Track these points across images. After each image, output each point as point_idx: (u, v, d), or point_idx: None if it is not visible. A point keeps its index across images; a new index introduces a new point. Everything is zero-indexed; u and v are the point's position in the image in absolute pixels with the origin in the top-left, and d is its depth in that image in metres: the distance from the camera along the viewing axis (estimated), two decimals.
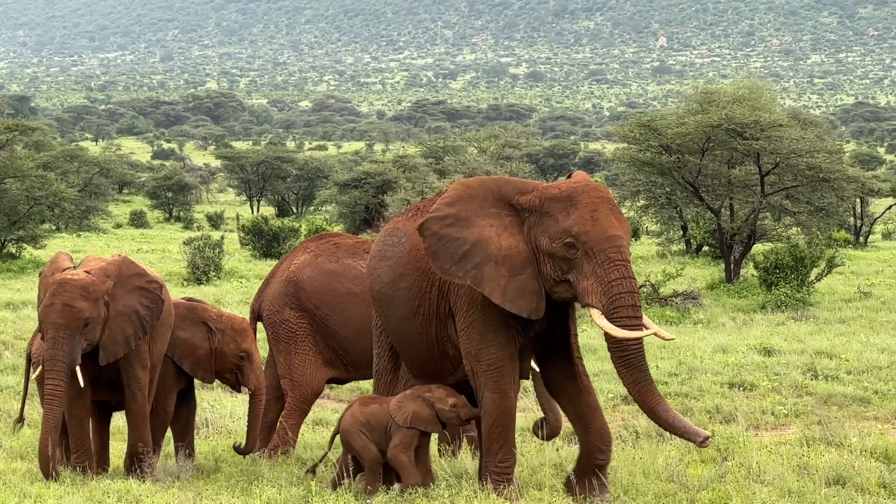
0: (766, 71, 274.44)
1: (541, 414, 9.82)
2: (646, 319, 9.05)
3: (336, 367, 11.54)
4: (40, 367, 10.19)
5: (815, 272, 23.36)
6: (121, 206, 52.80)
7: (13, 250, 31.83)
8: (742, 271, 26.07)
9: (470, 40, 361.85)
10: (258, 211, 51.89)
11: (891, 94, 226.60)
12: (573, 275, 9.06)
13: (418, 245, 9.56)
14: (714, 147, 26.42)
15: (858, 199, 36.08)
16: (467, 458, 10.43)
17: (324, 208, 50.17)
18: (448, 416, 9.60)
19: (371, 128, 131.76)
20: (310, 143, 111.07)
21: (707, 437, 8.98)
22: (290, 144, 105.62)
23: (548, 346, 9.54)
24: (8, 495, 9.53)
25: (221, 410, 13.13)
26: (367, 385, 14.24)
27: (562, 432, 9.87)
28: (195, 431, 11.45)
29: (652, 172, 27.56)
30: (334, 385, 13.55)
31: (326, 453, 10.21)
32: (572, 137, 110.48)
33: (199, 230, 41.74)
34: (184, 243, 28.20)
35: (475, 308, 9.35)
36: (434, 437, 10.32)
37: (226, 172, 62.64)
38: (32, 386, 10.86)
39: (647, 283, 21.89)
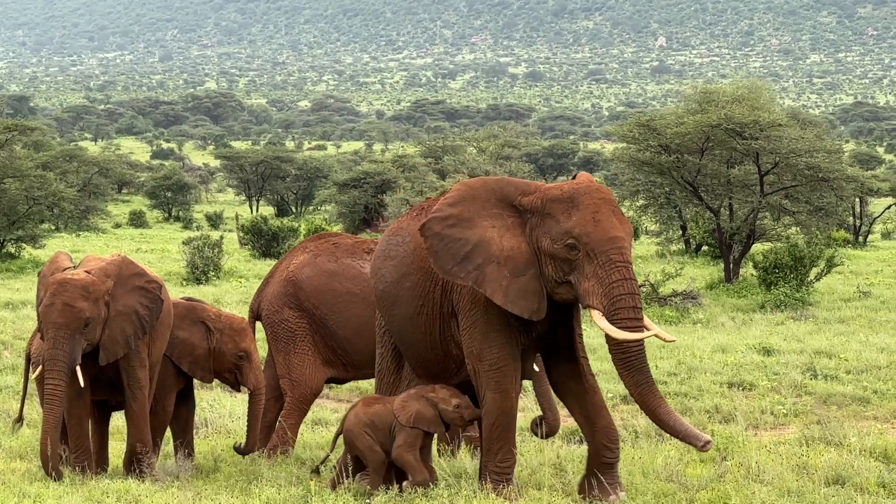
0: (765, 71, 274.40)
1: (540, 412, 9.83)
2: (647, 321, 9.04)
3: (335, 367, 11.54)
4: (40, 367, 10.19)
5: (814, 272, 23.36)
6: (120, 206, 52.81)
7: (12, 250, 31.84)
8: (741, 271, 26.07)
9: (469, 40, 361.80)
10: (257, 211, 51.90)
11: (890, 93, 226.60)
12: (574, 276, 9.06)
13: (422, 244, 9.56)
14: (713, 147, 26.41)
15: (857, 199, 36.09)
16: (466, 458, 10.42)
17: (323, 208, 50.19)
18: (451, 416, 9.60)
19: (370, 127, 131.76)
20: (309, 143, 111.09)
21: (708, 442, 8.98)
22: (290, 144, 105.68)
23: (552, 346, 9.54)
24: (7, 495, 9.53)
25: (221, 410, 13.12)
26: (365, 385, 14.25)
27: (560, 432, 9.88)
28: (194, 431, 11.45)
29: (651, 172, 27.55)
30: (333, 385, 13.55)
31: (329, 454, 10.20)
32: (571, 137, 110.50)
33: (198, 230, 41.75)
34: (183, 243, 28.21)
35: (478, 308, 9.35)
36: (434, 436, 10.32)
37: (225, 172, 62.66)
38: (32, 386, 10.86)
39: (647, 282, 21.89)
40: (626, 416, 12.62)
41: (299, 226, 35.48)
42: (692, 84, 36.53)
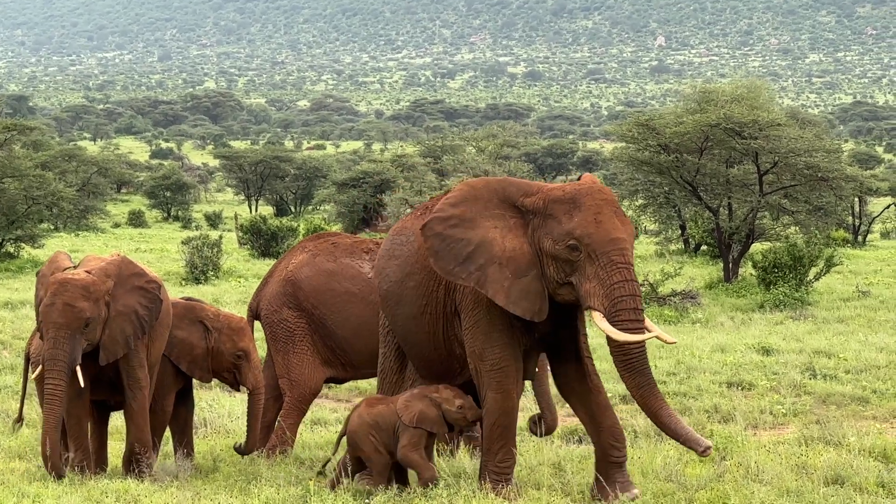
0: (764, 70, 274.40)
1: (538, 411, 9.83)
2: (648, 322, 9.04)
3: (334, 367, 11.54)
4: (40, 367, 10.19)
5: (813, 271, 23.36)
6: (119, 206, 52.81)
7: (11, 250, 31.83)
8: (740, 270, 26.07)
9: (468, 39, 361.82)
10: (256, 210, 51.90)
11: (889, 93, 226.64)
12: (576, 277, 9.05)
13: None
14: (712, 146, 26.41)
15: (857, 199, 36.11)
16: (465, 458, 10.42)
17: (322, 208, 50.20)
18: (454, 417, 9.59)
19: (369, 127, 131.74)
20: (308, 143, 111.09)
21: (708, 448, 8.99)
22: (289, 144, 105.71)
23: (556, 346, 9.53)
24: (6, 495, 9.53)
25: (220, 410, 13.12)
26: (364, 385, 14.25)
27: (559, 431, 9.88)
28: (193, 431, 11.44)
29: (650, 172, 27.55)
30: (332, 385, 13.54)
31: (332, 456, 10.18)
32: (570, 137, 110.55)
33: (197, 230, 41.72)
34: (182, 243, 28.20)
35: (480, 308, 9.35)
36: None
37: (224, 172, 62.64)
38: (31, 386, 10.85)
39: (646, 282, 21.89)
40: (626, 416, 12.60)
41: (298, 225, 35.47)
42: (691, 83, 36.47)
